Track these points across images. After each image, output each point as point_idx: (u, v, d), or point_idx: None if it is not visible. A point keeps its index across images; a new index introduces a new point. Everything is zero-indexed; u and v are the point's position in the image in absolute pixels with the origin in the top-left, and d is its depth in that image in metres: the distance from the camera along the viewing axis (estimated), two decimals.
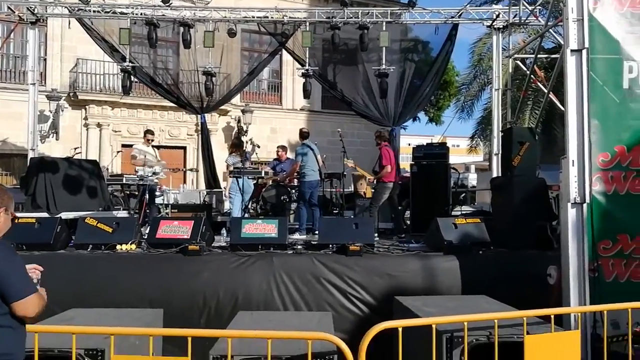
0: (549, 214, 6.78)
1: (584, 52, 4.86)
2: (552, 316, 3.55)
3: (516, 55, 9.67)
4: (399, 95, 11.09)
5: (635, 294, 4.34)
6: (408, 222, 9.27)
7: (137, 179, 8.38)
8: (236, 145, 9.53)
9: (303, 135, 8.97)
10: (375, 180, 8.56)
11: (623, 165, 4.88)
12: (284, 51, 11.32)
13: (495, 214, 7.51)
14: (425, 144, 9.46)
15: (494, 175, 9.03)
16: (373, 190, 8.59)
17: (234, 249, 6.19)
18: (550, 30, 8.74)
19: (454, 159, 10.12)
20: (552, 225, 6.51)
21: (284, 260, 5.88)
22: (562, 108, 5.27)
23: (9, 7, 9.88)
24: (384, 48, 9.75)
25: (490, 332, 3.49)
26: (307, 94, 10.25)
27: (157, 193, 10.00)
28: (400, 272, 5.81)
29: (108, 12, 9.88)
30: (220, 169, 12.74)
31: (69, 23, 10.23)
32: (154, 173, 8.59)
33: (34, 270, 2.75)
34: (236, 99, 17.58)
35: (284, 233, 6.41)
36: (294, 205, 9.54)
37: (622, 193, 4.86)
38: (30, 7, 9.66)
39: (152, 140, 9.16)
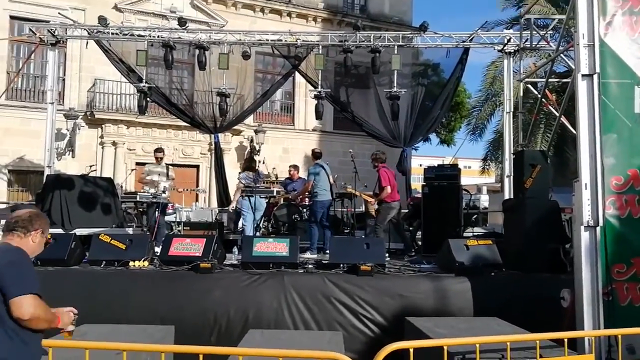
0: (562, 237, 6.71)
1: (595, 77, 4.87)
2: (566, 340, 3.49)
3: (527, 79, 9.68)
4: (410, 117, 11.16)
5: None
6: (420, 242, 9.21)
7: (151, 196, 8.44)
8: (249, 164, 9.58)
9: (316, 155, 9.02)
10: (377, 202, 8.56)
11: (637, 189, 4.84)
12: (297, 73, 11.45)
13: (507, 236, 7.45)
14: (436, 165, 9.45)
15: (506, 197, 8.98)
16: (377, 212, 8.59)
17: (245, 267, 6.19)
18: (562, 55, 8.76)
19: (465, 180, 10.06)
20: (565, 248, 6.44)
21: (295, 279, 5.87)
22: (574, 131, 5.26)
23: (30, 29, 10.14)
24: (395, 71, 9.85)
25: (503, 355, 3.44)
26: (319, 115, 10.35)
27: (170, 211, 10.05)
28: (412, 293, 5.78)
29: (126, 35, 10.08)
30: (233, 187, 12.79)
31: (87, 44, 10.42)
32: (162, 192, 8.60)
33: (69, 311, 2.80)
34: (249, 119, 17.74)
35: (295, 252, 6.40)
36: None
37: (636, 217, 4.81)
38: (51, 29, 9.90)
39: (162, 158, 9.10)
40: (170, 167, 9.23)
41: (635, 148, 4.90)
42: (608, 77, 4.92)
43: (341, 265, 6.28)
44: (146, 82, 9.95)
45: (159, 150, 9.21)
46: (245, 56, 10.46)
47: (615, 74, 4.94)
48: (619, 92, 4.94)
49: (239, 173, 9.37)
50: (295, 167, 10.47)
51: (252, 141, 19.39)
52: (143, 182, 8.91)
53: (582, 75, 4.92)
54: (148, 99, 10.26)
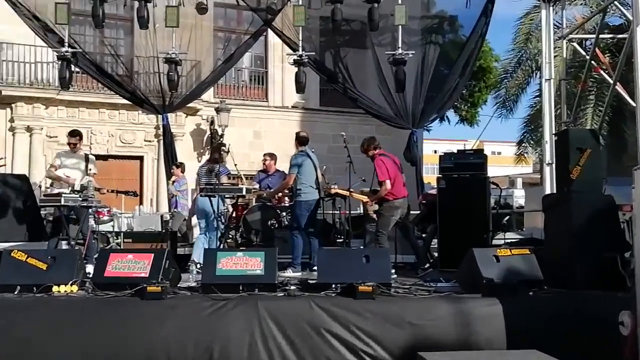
0: (620, 243, 6.81)
1: None
2: None
3: (572, 36, 9.75)
4: (421, 88, 11.22)
5: None
6: (436, 253, 9.27)
7: (79, 199, 8.38)
8: (214, 154, 9.66)
9: (301, 140, 9.04)
10: (376, 202, 8.59)
11: None
12: (270, 32, 11.42)
13: (549, 243, 7.54)
14: (456, 151, 9.51)
15: (547, 191, 9.09)
16: (378, 214, 8.61)
17: (207, 290, 6.18)
18: (616, 2, 8.83)
19: (494, 170, 10.17)
20: (624, 257, 6.53)
21: (273, 304, 5.89)
22: (633, 103, 5.31)
23: None
24: (399, 27, 9.80)
25: None
26: (300, 87, 10.30)
27: (104, 217, 10.03)
28: (426, 320, 5.82)
29: None
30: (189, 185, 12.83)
31: None
32: (74, 191, 8.51)
33: None
34: (209, 94, 17.71)
35: (272, 269, 6.41)
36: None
37: None
38: None
39: (76, 145, 9.01)
40: (91, 158, 9.14)
41: None
42: None
43: (333, 285, 6.28)
44: (69, 46, 9.84)
45: (73, 134, 9.09)
46: (201, 9, 10.40)
47: None
48: None
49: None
50: (272, 155, 10.50)
51: (212, 123, 19.37)
52: (51, 178, 8.87)
53: None
54: (72, 67, 10.16)
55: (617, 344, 5.24)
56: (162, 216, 12.43)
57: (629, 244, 6.68)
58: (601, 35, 9.30)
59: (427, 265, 8.93)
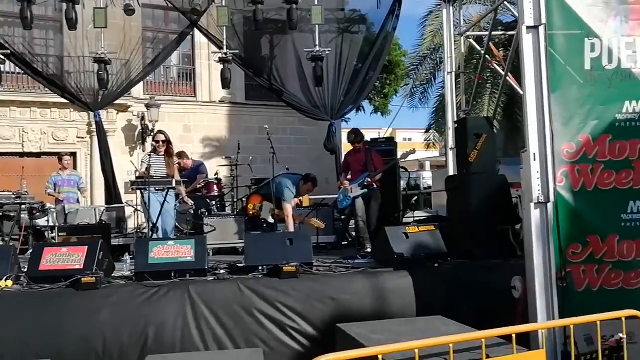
0: (512, 217, 7.06)
1: (541, 28, 5.01)
2: (514, 335, 3.71)
3: (469, 33, 9.93)
4: (338, 82, 11.26)
5: (609, 303, 4.53)
6: (353, 233, 9.35)
7: (13, 196, 8.03)
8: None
9: None
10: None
11: (589, 157, 5.08)
12: (196, 31, 11.16)
13: (452, 220, 7.74)
14: (369, 139, 9.56)
15: (450, 173, 9.26)
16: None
17: (141, 278, 6.03)
18: (506, 2, 9.03)
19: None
20: (515, 229, 6.82)
21: (204, 288, 5.79)
22: (522, 92, 5.42)
23: None
24: (317, 26, 9.79)
25: (446, 359, 3.58)
26: (226, 83, 10.23)
27: (39, 214, 9.56)
28: (345, 295, 5.87)
29: None
30: (122, 178, 12.42)
31: None
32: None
33: None
34: (138, 90, 17.15)
35: (202, 255, 6.30)
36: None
37: (590, 189, 5.08)
38: None
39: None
40: None
41: (585, 111, 5.10)
42: (555, 28, 5.05)
43: (260, 267, 6.25)
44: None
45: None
46: (129, 10, 10.11)
47: (563, 24, 5.07)
48: (568, 45, 5.08)
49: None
50: (180, 155, 9.96)
51: (143, 119, 18.65)
52: None
53: (527, 28, 5.05)
54: (2, 68, 9.71)
55: (510, 306, 5.44)
56: (96, 209, 11.91)
57: (520, 217, 6.88)
58: (495, 33, 9.51)
59: (346, 243, 8.95)
